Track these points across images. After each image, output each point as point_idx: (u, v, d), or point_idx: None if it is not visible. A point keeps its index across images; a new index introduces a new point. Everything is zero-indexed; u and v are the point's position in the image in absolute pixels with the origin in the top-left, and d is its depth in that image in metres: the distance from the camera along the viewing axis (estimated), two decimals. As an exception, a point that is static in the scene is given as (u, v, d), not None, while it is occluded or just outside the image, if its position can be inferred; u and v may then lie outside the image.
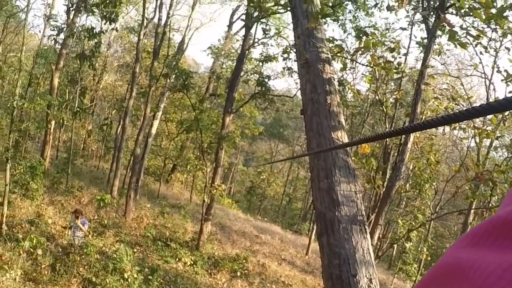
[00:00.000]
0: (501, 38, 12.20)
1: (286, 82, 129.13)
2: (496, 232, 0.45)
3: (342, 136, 4.41)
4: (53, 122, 21.97)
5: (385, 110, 11.95)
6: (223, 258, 18.35)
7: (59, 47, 22.33)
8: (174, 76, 20.27)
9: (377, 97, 13.11)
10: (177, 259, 16.45)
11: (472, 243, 0.47)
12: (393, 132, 1.35)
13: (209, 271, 17.06)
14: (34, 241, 11.58)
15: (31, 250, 11.70)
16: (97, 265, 11.99)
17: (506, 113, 15.96)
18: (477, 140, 18.63)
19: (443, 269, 0.49)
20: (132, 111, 24.97)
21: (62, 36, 21.88)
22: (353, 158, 4.88)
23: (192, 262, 16.44)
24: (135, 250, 15.68)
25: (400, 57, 10.93)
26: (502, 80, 13.47)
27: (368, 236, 4.15)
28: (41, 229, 14.49)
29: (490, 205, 15.11)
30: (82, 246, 12.71)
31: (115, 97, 33.45)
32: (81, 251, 12.58)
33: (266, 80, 19.95)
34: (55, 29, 22.40)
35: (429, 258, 22.23)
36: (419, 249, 22.09)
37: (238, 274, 17.38)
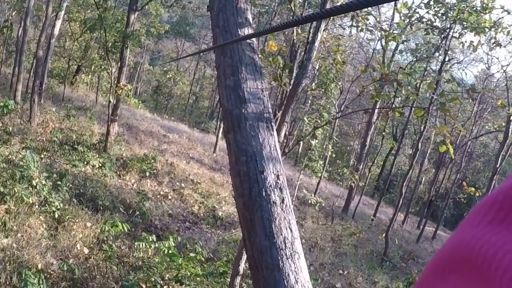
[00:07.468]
0: None
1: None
2: None
3: (249, 33, 4.34)
4: None
5: (293, 9, 11.84)
6: (131, 158, 18.31)
7: None
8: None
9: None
10: (85, 163, 16.16)
11: (498, 220, 0.38)
12: (300, 20, 1.29)
13: (118, 173, 17.00)
14: None
15: None
16: (4, 174, 11.58)
17: (413, 18, 16.33)
18: (383, 42, 19.11)
19: (459, 252, 0.40)
20: (33, 12, 23.59)
21: None
22: (259, 56, 4.83)
23: (100, 165, 16.27)
24: (42, 156, 15.26)
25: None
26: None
27: (275, 133, 4.19)
28: None
29: (394, 105, 15.75)
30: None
31: (15, -3, 31.27)
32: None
33: (173, -24, 19.26)
34: None
35: (333, 155, 23.16)
36: (324, 146, 22.95)
37: (147, 174, 17.48)
